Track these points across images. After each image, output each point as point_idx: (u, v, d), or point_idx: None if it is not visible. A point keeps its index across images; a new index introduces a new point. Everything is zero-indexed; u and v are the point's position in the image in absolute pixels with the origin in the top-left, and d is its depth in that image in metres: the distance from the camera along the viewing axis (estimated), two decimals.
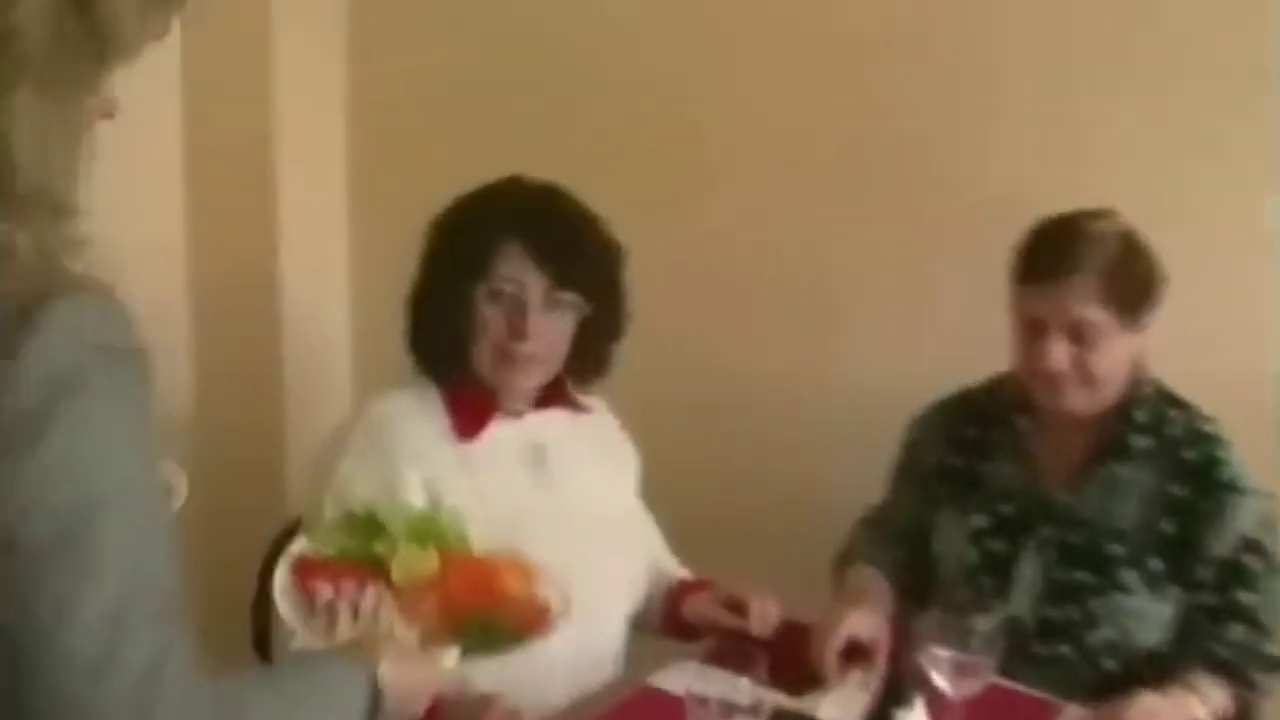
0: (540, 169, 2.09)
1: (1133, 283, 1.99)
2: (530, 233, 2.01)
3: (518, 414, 2.10)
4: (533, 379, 2.08)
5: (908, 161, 2.53)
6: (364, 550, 1.66)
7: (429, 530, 1.70)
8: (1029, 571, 2.08)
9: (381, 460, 2.00)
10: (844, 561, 2.27)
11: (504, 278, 2.00)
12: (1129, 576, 2.01)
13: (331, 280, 3.12)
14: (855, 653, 2.00)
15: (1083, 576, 2.04)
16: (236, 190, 2.94)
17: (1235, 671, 1.95)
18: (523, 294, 2.00)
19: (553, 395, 2.13)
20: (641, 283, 2.13)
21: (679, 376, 2.74)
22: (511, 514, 1.99)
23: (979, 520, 2.16)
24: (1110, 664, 2.03)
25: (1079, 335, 1.98)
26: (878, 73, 2.51)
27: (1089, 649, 2.03)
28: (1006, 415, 2.15)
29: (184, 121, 2.91)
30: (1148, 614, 2.01)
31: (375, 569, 1.63)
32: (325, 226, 3.09)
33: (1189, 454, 2.02)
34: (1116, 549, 2.02)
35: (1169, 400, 2.08)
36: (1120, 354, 2.01)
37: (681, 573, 2.28)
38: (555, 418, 2.14)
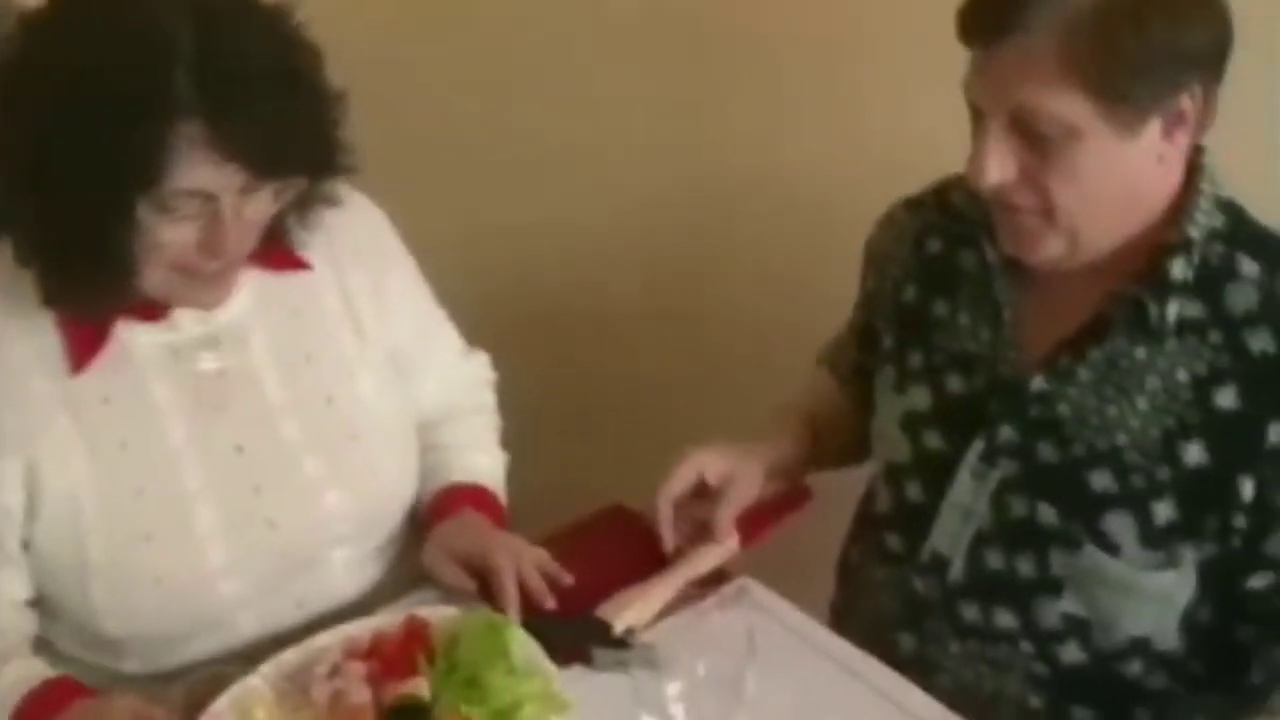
0: None
1: (1122, 48, 1.20)
2: (215, 109, 1.20)
3: (162, 308, 1.38)
4: (227, 288, 1.38)
5: None
6: None
7: None
8: (966, 491, 1.37)
9: None
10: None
11: (182, 192, 1.24)
12: (1118, 524, 1.30)
13: None
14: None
15: (1045, 513, 1.33)
16: None
17: None
18: (214, 204, 1.26)
19: None
20: None
21: None
22: (152, 468, 1.36)
23: (918, 398, 1.45)
24: (1072, 654, 1.34)
25: (1027, 133, 1.25)
26: None
27: (1039, 628, 1.35)
28: (978, 235, 1.41)
29: None
30: (1139, 589, 1.31)
31: None
32: None
33: (1259, 342, 1.27)
34: (1104, 478, 1.30)
35: (1250, 246, 1.31)
36: (1108, 171, 1.25)
37: (474, 458, 1.61)
38: (234, 295, 1.42)
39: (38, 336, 1.34)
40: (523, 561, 1.39)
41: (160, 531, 1.36)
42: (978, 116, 1.28)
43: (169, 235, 1.26)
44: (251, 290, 1.42)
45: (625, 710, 1.18)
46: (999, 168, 1.26)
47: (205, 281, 1.33)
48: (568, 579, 1.40)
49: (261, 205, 1.31)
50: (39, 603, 1.40)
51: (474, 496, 1.54)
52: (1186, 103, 1.25)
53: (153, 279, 1.30)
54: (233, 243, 1.29)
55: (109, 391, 1.36)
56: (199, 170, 1.22)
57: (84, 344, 1.35)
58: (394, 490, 1.50)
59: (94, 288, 1.30)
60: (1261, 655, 1.30)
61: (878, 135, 1.82)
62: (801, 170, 1.91)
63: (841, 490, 1.62)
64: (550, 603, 1.37)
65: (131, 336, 1.37)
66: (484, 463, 1.61)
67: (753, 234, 1.98)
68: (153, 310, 1.37)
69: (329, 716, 1.26)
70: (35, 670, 1.36)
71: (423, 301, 1.59)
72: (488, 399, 1.69)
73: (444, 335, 1.63)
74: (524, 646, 1.29)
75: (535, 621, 1.32)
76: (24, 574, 1.37)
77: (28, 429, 1.33)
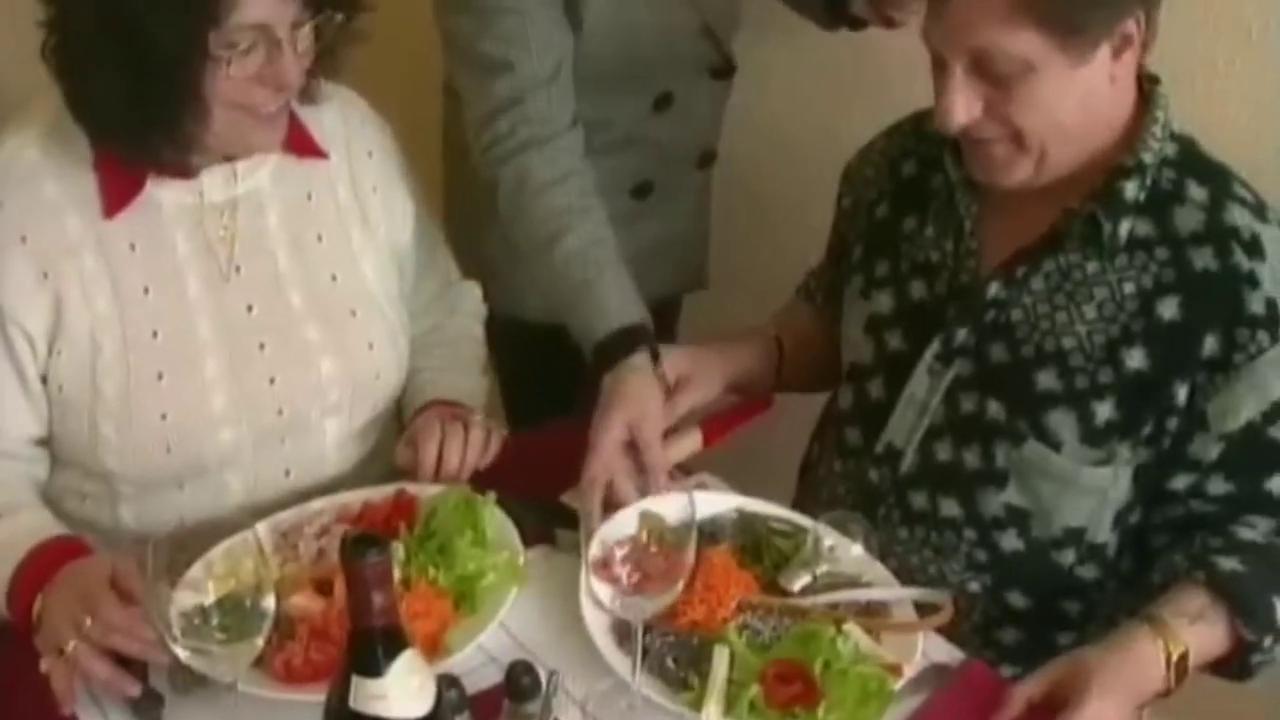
0: None
1: None
2: None
3: (193, 169, 1.46)
4: (281, 131, 1.47)
5: None
6: None
7: None
8: (922, 387, 1.46)
9: None
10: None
11: (246, 25, 1.34)
12: (1060, 421, 1.38)
13: None
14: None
15: (994, 409, 1.41)
16: None
17: (1243, 596, 1.30)
18: (270, 35, 1.36)
19: None
20: None
21: None
22: (169, 314, 1.46)
23: (882, 302, 1.53)
24: (1011, 542, 1.43)
25: (988, 73, 1.31)
26: None
27: (982, 516, 1.44)
28: (943, 157, 1.48)
29: None
30: (1077, 482, 1.39)
31: None
32: None
33: (1201, 260, 1.34)
34: (1049, 378, 1.38)
35: (1199, 173, 1.38)
36: (1066, 96, 1.31)
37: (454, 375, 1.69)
38: (258, 168, 1.51)
39: (76, 179, 1.44)
40: (446, 435, 1.49)
41: (171, 371, 1.46)
42: (939, 63, 1.35)
43: (236, 69, 1.36)
44: (272, 170, 1.52)
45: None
46: (965, 109, 1.34)
47: (263, 121, 1.42)
48: (500, 435, 1.52)
49: (307, 42, 1.41)
50: (47, 445, 1.49)
51: (449, 409, 1.61)
52: (1132, 26, 1.31)
53: (220, 120, 1.39)
54: (291, 73, 1.39)
55: (136, 239, 1.45)
56: (259, 3, 1.34)
57: (118, 192, 1.44)
58: (383, 367, 1.58)
59: (167, 128, 1.38)
60: (1164, 560, 1.38)
61: None
62: None
63: (804, 403, 1.71)
64: (449, 466, 1.47)
65: (162, 192, 1.46)
66: (465, 385, 1.69)
67: None
68: (184, 169, 1.45)
69: (311, 570, 1.37)
70: (45, 524, 1.44)
71: (425, 220, 1.67)
72: (477, 331, 1.78)
73: (443, 254, 1.73)
74: (496, 522, 1.39)
75: (505, 502, 1.41)
76: (40, 409, 1.46)
77: (59, 262, 1.43)
